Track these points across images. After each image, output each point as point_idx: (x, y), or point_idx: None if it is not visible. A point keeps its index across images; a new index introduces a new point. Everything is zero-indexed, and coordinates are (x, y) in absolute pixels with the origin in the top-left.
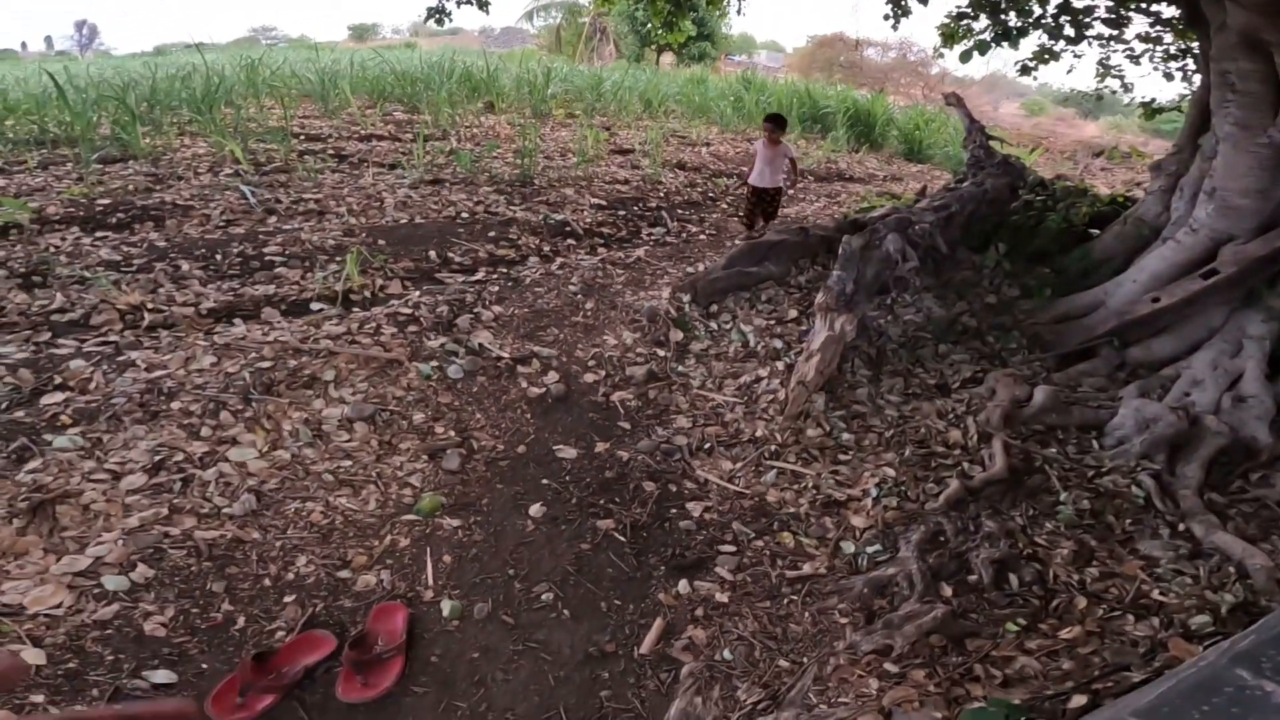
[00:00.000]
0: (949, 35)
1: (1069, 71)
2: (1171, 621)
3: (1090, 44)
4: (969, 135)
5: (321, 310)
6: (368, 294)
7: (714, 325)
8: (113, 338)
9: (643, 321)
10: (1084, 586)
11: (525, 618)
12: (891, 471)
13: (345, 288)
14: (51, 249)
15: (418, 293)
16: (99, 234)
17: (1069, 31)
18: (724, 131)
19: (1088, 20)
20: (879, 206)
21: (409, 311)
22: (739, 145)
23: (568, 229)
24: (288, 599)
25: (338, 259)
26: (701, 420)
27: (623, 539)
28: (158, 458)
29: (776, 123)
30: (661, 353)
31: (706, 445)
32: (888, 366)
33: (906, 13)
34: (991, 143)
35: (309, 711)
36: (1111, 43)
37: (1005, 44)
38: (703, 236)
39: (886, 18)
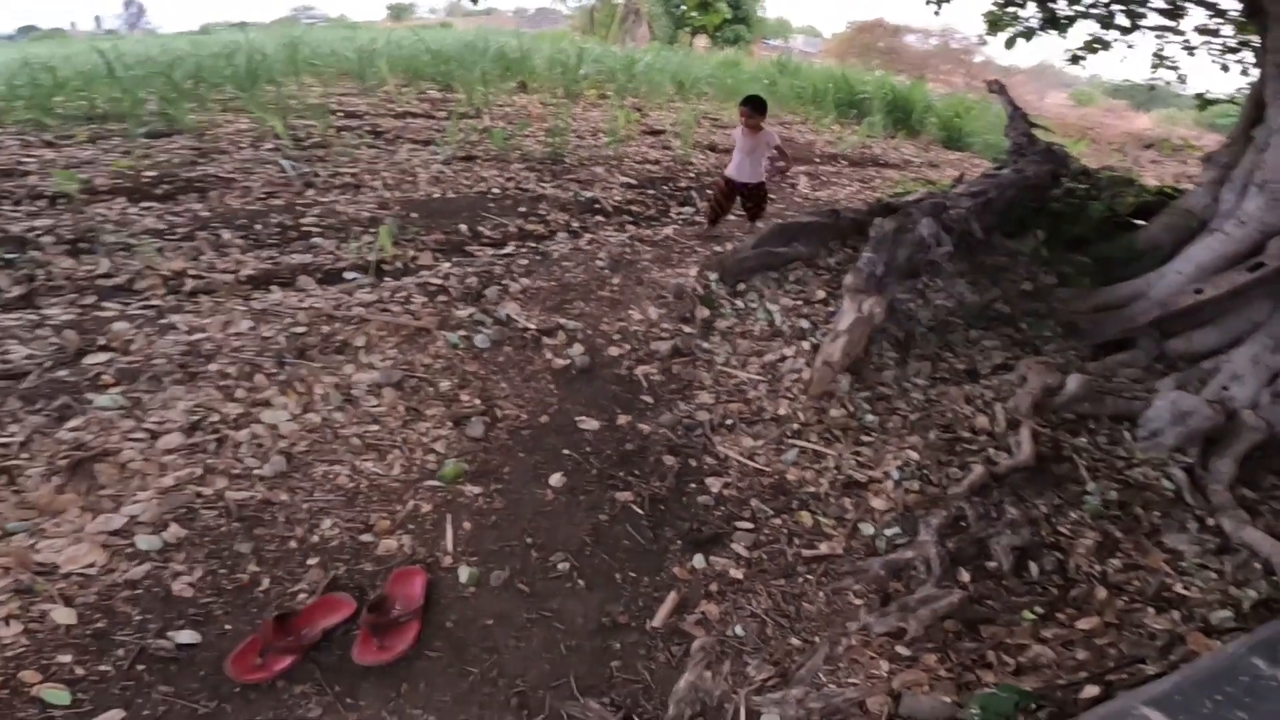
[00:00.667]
0: (994, 22)
1: (1121, 61)
2: (1192, 615)
3: (1144, 34)
4: (1011, 122)
5: (355, 279)
6: (400, 264)
7: (740, 304)
8: (155, 302)
9: (669, 298)
10: (1105, 577)
11: (540, 586)
12: (915, 455)
13: (378, 258)
14: (99, 218)
15: (448, 264)
16: (145, 204)
17: (1122, 21)
18: None
19: (1141, 10)
20: (913, 191)
21: (439, 282)
22: (772, 128)
23: (597, 206)
24: (311, 561)
25: (372, 230)
26: (724, 397)
27: (640, 511)
28: (194, 418)
29: (755, 106)
30: (687, 329)
31: (728, 422)
32: (916, 350)
33: None
34: (1035, 131)
35: (325, 673)
36: (1167, 34)
37: (1052, 31)
38: (731, 217)
39: (929, 2)
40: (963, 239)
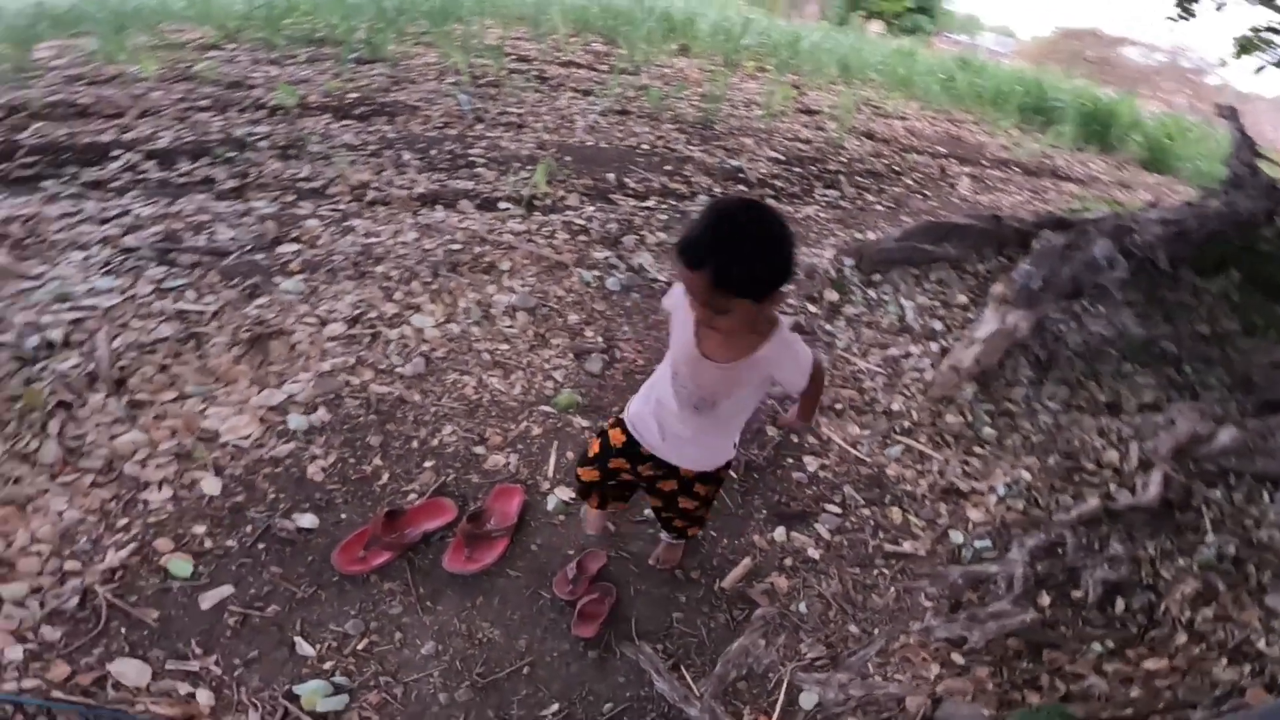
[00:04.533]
0: (1245, 46)
1: None
2: (1263, 671)
3: None
4: (1235, 151)
5: (508, 209)
6: (549, 202)
7: (872, 294)
8: (342, 206)
9: (799, 275)
10: (1191, 625)
11: (625, 528)
12: (1027, 475)
13: (531, 193)
14: (307, 130)
15: (592, 208)
16: (345, 122)
17: None
18: (925, 109)
19: None
20: (1093, 209)
21: (582, 223)
22: (939, 124)
23: (740, 175)
24: (427, 464)
25: (529, 168)
26: (838, 381)
27: (734, 475)
28: (357, 312)
29: (724, 277)
30: (812, 309)
31: (838, 406)
32: (1056, 373)
33: (1191, 15)
34: (1261, 163)
35: (415, 574)
36: None
37: None
38: (878, 206)
39: (1170, 18)
40: (1143, 267)
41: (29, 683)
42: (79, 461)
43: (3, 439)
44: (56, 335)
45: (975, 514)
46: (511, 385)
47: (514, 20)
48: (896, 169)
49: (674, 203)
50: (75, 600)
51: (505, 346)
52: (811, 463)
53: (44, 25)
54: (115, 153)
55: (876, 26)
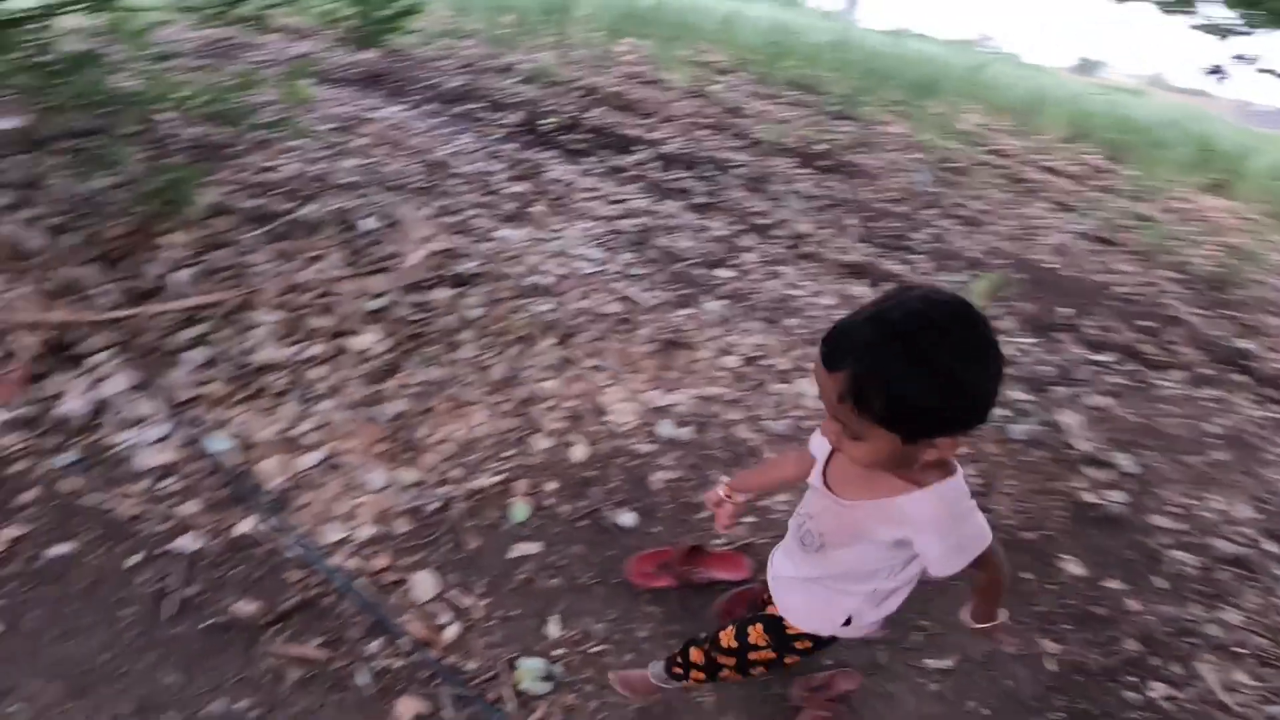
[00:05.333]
0: None
1: None
2: None
3: None
4: None
5: None
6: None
7: None
8: (781, 251)
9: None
10: None
11: (896, 665)
12: None
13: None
14: (771, 169)
15: (1028, 339)
16: (805, 169)
17: None
18: None
19: None
20: None
21: (1009, 352)
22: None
23: (1249, 364)
24: (747, 519)
25: (969, 271)
26: (1255, 630)
27: (1053, 669)
28: (755, 354)
29: (857, 391)
30: (1275, 549)
31: (1235, 650)
32: None
33: None
34: None
35: (678, 609)
36: None
37: None
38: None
39: None
40: None
41: (352, 563)
42: (510, 390)
43: (479, 347)
44: (545, 282)
45: None
46: None
47: (999, 110)
48: None
49: (1138, 368)
50: (435, 505)
51: None
52: (1159, 689)
53: (629, 22)
54: (637, 148)
55: None
